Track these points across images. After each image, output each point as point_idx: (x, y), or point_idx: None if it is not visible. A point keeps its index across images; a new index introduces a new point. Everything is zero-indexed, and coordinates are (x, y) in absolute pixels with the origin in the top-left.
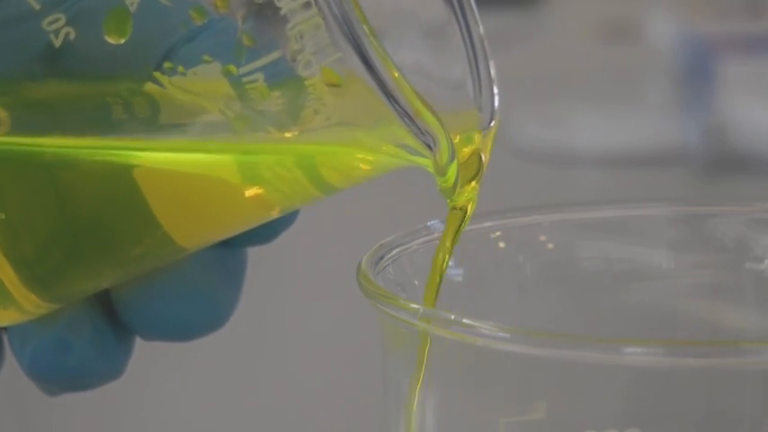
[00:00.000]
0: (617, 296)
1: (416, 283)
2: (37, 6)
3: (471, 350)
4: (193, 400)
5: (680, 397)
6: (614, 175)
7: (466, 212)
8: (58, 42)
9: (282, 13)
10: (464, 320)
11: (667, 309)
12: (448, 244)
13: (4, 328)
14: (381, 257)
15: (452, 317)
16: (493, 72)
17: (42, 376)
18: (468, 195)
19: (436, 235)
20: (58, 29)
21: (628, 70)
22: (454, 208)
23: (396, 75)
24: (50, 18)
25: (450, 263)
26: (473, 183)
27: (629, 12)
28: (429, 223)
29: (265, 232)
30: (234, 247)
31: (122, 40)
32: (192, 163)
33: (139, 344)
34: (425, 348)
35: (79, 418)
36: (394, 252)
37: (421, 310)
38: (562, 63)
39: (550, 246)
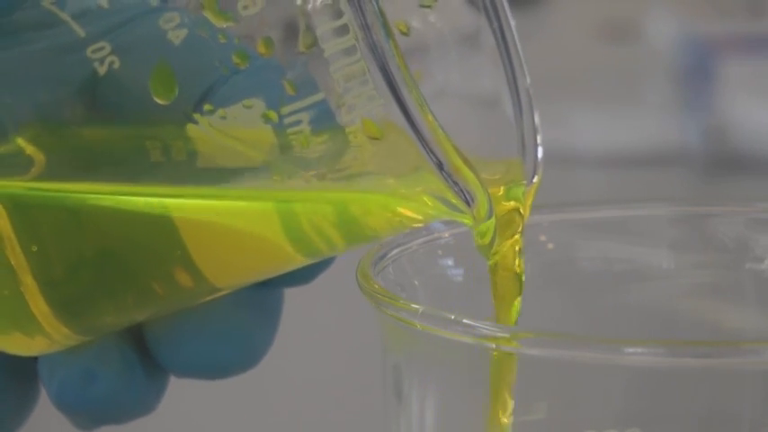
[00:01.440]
0: (617, 296)
1: (416, 283)
2: (82, 34)
3: (471, 350)
4: (192, 399)
5: (680, 397)
6: (614, 175)
7: (518, 277)
8: (102, 70)
9: (326, 55)
10: (464, 320)
11: (667, 309)
12: (504, 318)
13: (35, 359)
14: (381, 257)
15: (452, 317)
16: (537, 120)
17: (69, 407)
18: (506, 253)
19: (436, 235)
20: (103, 57)
21: (628, 70)
22: (494, 267)
23: (436, 129)
24: (95, 46)
25: (450, 263)
26: (511, 240)
27: (630, 12)
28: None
29: (303, 273)
30: (270, 287)
31: (169, 102)
32: (230, 208)
33: None
34: (509, 367)
35: None
36: (394, 252)
37: (421, 310)
38: (562, 63)
39: (550, 246)
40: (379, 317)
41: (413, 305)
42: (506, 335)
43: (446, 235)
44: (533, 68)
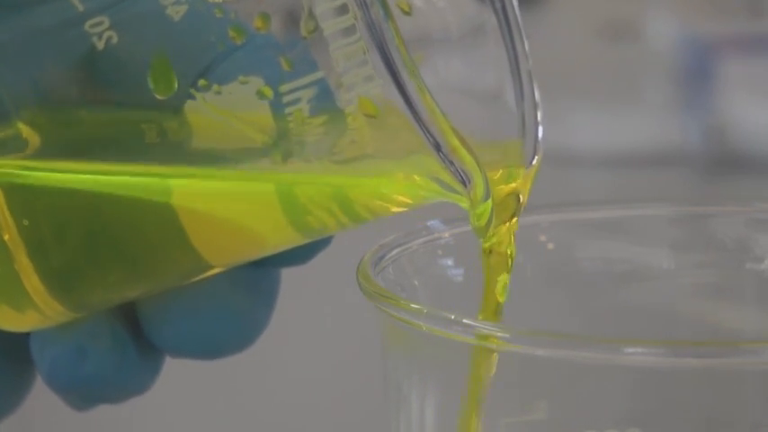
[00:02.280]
0: (617, 296)
1: (416, 283)
2: (81, 8)
3: (471, 350)
4: (192, 399)
5: (680, 397)
6: (614, 175)
7: (508, 257)
8: (100, 45)
9: (326, 35)
10: (464, 320)
11: (668, 309)
12: (492, 298)
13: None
14: (381, 257)
15: (452, 317)
16: (538, 97)
17: (60, 385)
18: (502, 237)
19: (436, 235)
20: (101, 32)
21: (628, 70)
22: (489, 251)
23: (433, 109)
24: (94, 20)
25: (450, 263)
26: (508, 224)
27: (630, 12)
28: (429, 223)
29: (301, 253)
30: (267, 267)
31: (168, 96)
32: (226, 186)
33: None
34: (484, 365)
35: (78, 419)
36: (394, 252)
37: (422, 311)
38: (562, 63)
39: (550, 246)
40: (380, 317)
41: (413, 305)
42: (507, 335)
43: (446, 235)
44: (534, 68)
